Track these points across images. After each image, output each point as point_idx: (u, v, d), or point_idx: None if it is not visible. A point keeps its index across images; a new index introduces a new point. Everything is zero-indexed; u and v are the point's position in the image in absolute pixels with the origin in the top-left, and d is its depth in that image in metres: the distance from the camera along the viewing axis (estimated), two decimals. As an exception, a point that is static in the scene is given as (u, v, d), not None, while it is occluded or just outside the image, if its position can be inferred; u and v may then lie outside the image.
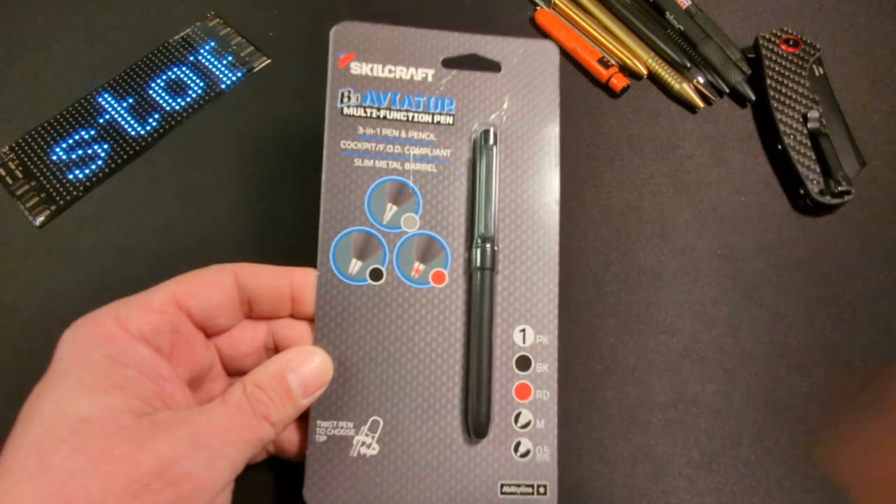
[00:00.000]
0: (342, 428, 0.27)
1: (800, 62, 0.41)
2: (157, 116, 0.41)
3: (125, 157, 0.40)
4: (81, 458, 0.19)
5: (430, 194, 0.29)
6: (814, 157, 0.39)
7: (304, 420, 0.28)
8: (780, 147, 0.39)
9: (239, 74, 0.42)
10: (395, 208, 0.29)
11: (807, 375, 0.35)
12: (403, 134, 0.30)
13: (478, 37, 0.31)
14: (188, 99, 0.42)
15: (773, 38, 0.42)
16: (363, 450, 0.27)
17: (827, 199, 0.37)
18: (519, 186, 0.30)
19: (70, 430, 0.20)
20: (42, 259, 0.36)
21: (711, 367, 0.35)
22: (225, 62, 0.43)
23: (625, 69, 0.43)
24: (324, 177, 0.29)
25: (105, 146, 0.40)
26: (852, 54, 0.44)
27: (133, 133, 0.41)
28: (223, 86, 0.42)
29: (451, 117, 0.30)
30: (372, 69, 0.30)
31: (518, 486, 0.28)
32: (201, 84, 0.42)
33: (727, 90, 0.42)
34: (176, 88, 0.42)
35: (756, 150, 0.41)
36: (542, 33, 0.44)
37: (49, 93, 0.42)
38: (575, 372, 0.34)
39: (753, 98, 0.42)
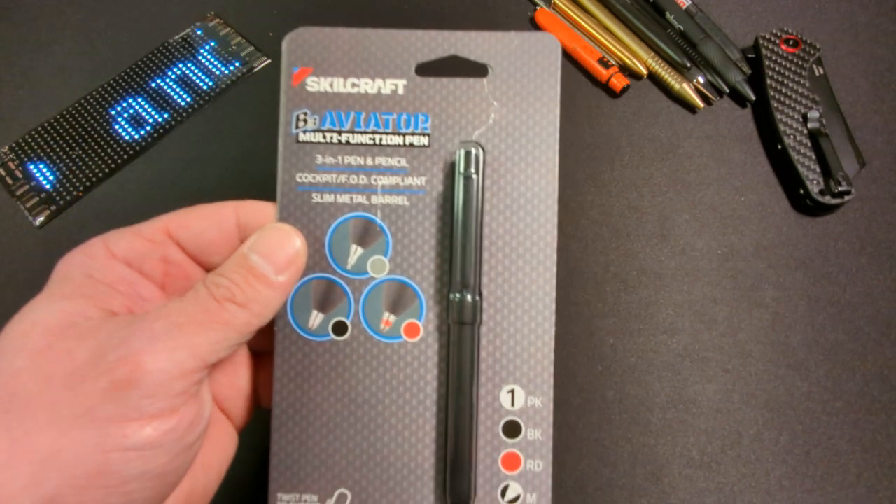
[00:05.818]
0: (305, 501, 0.25)
1: (800, 62, 0.41)
2: (150, 124, 0.41)
3: (122, 159, 0.40)
4: (23, 357, 0.20)
5: (401, 232, 0.25)
6: (814, 157, 0.39)
7: None
8: (780, 147, 0.39)
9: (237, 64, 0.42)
10: (360, 250, 0.25)
11: (807, 375, 0.35)
12: (370, 161, 0.25)
13: (458, 34, 0.25)
14: (188, 99, 0.42)
15: (773, 38, 0.42)
16: None
17: (827, 199, 0.37)
18: (508, 220, 0.25)
19: (21, 332, 0.20)
20: (42, 259, 0.36)
21: (711, 367, 0.35)
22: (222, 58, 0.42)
23: (625, 69, 0.43)
24: (278, 216, 0.25)
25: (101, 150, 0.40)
26: (852, 54, 0.44)
27: (128, 137, 0.41)
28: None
29: (427, 137, 0.25)
30: (332, 84, 0.26)
31: None
32: (209, 82, 0.42)
33: (727, 90, 0.42)
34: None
35: (756, 150, 0.41)
36: (542, 33, 0.44)
37: (49, 93, 0.42)
38: (575, 372, 0.34)
39: (753, 98, 0.42)
